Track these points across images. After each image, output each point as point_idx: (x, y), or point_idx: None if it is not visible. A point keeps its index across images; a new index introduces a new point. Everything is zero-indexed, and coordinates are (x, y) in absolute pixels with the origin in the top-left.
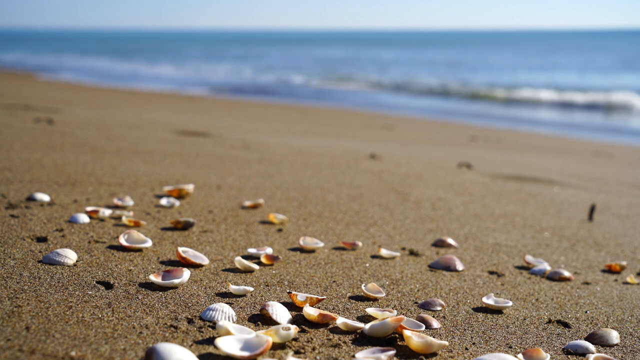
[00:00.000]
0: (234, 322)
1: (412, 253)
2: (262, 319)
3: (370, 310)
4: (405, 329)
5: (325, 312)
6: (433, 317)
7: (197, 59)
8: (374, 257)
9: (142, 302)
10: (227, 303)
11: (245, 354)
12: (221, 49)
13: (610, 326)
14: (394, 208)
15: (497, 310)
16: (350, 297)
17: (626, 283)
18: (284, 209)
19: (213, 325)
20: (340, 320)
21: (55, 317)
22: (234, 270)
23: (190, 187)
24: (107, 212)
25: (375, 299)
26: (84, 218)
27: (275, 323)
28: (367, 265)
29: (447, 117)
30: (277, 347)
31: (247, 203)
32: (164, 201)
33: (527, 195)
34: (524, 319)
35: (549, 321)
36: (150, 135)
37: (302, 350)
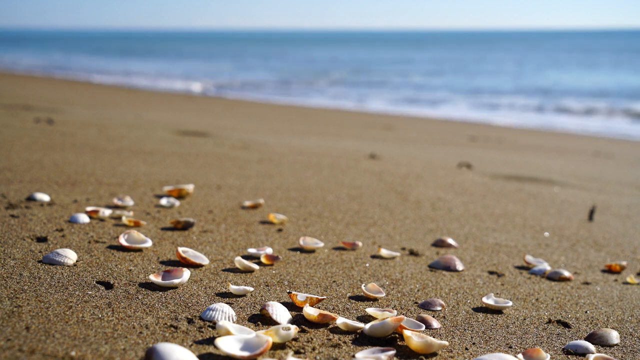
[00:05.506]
0: (234, 322)
1: (412, 253)
2: (262, 319)
3: (370, 310)
4: (405, 329)
5: (325, 312)
6: (433, 317)
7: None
8: (374, 257)
9: (142, 302)
10: (227, 303)
11: (245, 354)
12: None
13: (610, 326)
14: (394, 208)
15: (497, 310)
16: (350, 297)
17: (626, 283)
18: (284, 209)
19: (213, 325)
20: (340, 320)
21: (55, 317)
22: (234, 270)
23: (190, 187)
24: (107, 212)
25: (375, 299)
26: (84, 218)
27: (275, 323)
28: (367, 265)
29: None
30: (277, 347)
31: (247, 203)
32: (164, 201)
33: (527, 195)
34: (524, 319)
35: (549, 321)
36: (150, 135)
37: (302, 350)
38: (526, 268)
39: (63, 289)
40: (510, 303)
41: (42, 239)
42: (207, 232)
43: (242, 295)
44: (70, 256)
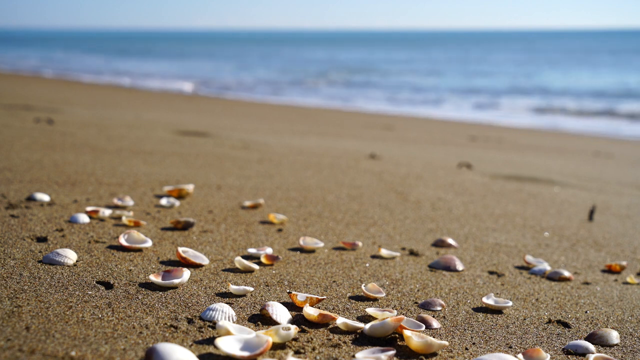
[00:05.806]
0: (234, 322)
1: (412, 253)
2: (262, 319)
3: (370, 310)
4: (405, 329)
5: (325, 312)
6: (433, 317)
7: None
8: (374, 257)
9: (142, 302)
10: (227, 303)
11: (245, 354)
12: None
13: (610, 326)
14: (394, 208)
15: (497, 310)
16: (350, 297)
17: (626, 283)
18: (284, 209)
19: (213, 325)
20: (340, 320)
21: (55, 317)
22: (234, 270)
23: (190, 187)
24: (107, 212)
25: (375, 299)
26: (84, 218)
27: (275, 323)
28: (367, 265)
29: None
30: (277, 347)
31: (247, 203)
32: (164, 201)
33: (527, 195)
34: (524, 319)
35: (549, 321)
36: (150, 135)
37: (302, 350)
38: (526, 268)
39: (63, 289)
40: (510, 303)
41: (42, 239)
42: (207, 232)
43: (242, 295)
44: (70, 256)
